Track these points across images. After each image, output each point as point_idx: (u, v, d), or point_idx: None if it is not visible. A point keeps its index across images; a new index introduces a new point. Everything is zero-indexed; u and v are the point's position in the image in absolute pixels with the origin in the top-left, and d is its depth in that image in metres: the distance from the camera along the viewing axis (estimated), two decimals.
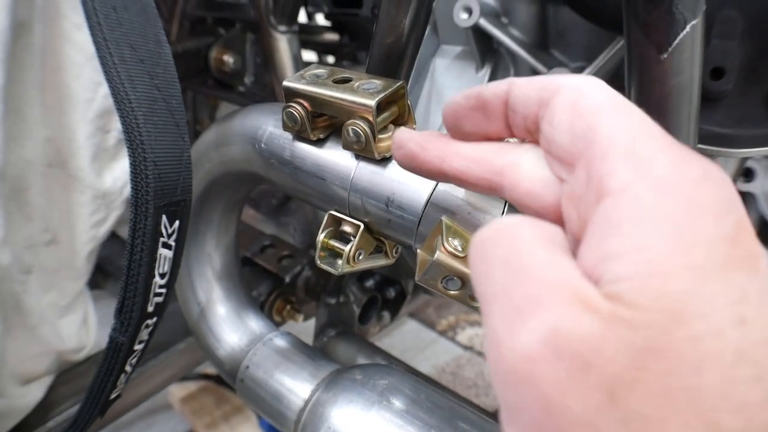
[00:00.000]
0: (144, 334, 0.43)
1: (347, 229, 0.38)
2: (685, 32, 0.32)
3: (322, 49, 1.12)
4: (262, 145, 0.42)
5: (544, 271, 0.17)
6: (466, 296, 0.31)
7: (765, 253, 0.17)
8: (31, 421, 0.59)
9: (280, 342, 0.52)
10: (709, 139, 0.47)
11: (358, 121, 0.34)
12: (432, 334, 1.43)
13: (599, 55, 0.52)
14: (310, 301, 0.77)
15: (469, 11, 0.56)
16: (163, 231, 0.40)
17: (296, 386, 0.47)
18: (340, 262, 0.38)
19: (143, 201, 0.38)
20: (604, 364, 0.15)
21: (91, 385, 0.45)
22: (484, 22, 0.56)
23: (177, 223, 0.41)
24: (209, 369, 1.11)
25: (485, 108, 0.25)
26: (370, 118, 0.34)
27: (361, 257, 0.38)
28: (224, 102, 1.00)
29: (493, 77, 0.61)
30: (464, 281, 0.30)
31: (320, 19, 1.14)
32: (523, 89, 0.23)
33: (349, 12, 0.85)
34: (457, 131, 0.26)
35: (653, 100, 0.36)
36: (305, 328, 0.77)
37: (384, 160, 0.36)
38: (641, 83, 0.37)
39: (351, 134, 0.35)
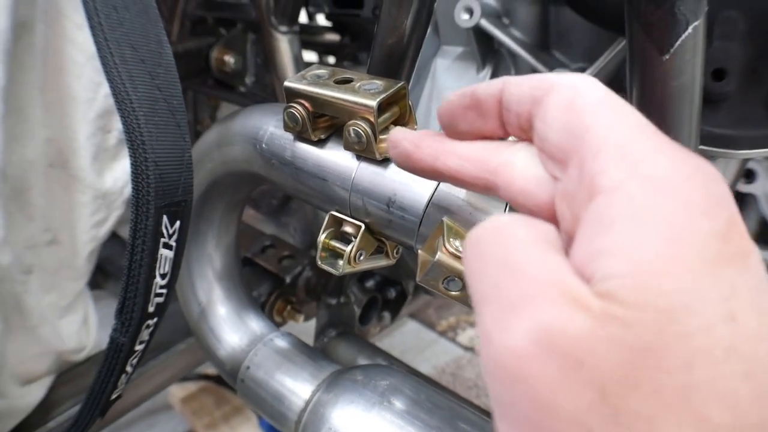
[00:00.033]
0: (145, 335, 0.43)
1: (348, 229, 0.38)
2: (687, 33, 0.32)
3: (323, 49, 1.12)
4: (263, 146, 0.42)
5: (536, 269, 0.17)
6: (468, 297, 0.31)
7: (756, 250, 0.17)
8: (32, 422, 0.59)
9: (281, 342, 0.52)
10: (710, 140, 0.47)
11: (359, 122, 0.34)
12: (432, 335, 1.43)
13: (600, 56, 0.52)
14: (311, 301, 0.77)
15: (470, 12, 0.56)
16: (164, 231, 0.40)
17: (297, 387, 0.47)
18: (341, 262, 0.37)
19: (144, 201, 0.38)
20: (595, 362, 0.15)
21: (91, 386, 0.45)
22: (485, 23, 0.56)
23: (178, 223, 0.41)
24: (209, 369, 1.11)
25: (479, 107, 0.25)
26: (372, 119, 0.34)
27: (362, 258, 0.38)
28: (225, 102, 1.01)
29: (494, 78, 0.61)
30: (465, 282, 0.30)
31: (321, 20, 1.14)
32: (516, 87, 0.23)
33: (350, 12, 0.86)
34: (452, 130, 0.26)
35: (655, 101, 0.36)
36: (306, 328, 0.77)
37: (385, 161, 0.36)
38: (643, 84, 0.37)
39: (352, 135, 0.35)
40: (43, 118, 0.55)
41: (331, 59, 1.13)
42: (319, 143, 0.39)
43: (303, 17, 1.12)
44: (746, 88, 0.46)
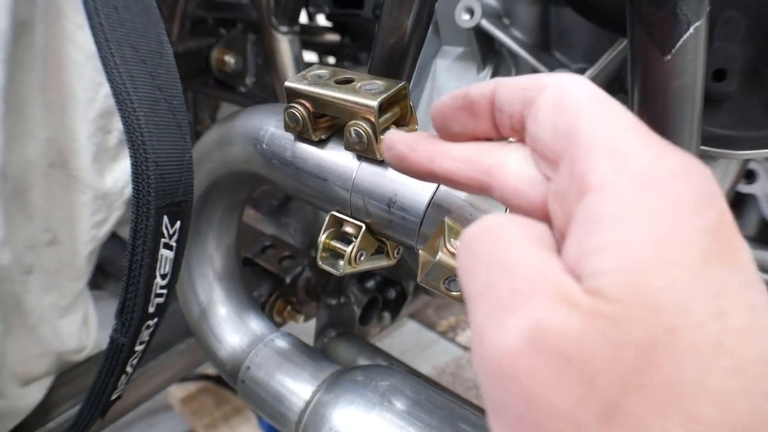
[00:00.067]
0: (145, 335, 0.43)
1: (349, 229, 0.38)
2: (688, 33, 0.32)
3: (323, 49, 1.12)
4: (264, 146, 0.42)
5: (528, 268, 0.17)
6: None
7: (746, 246, 0.17)
8: (32, 422, 0.59)
9: (281, 343, 0.52)
10: (711, 140, 0.47)
11: (360, 122, 0.34)
12: (432, 335, 1.43)
13: (601, 57, 0.52)
14: (311, 301, 0.77)
15: (471, 12, 0.56)
16: (165, 232, 0.40)
17: (297, 387, 0.47)
18: (341, 262, 0.37)
19: (144, 201, 0.38)
20: (585, 358, 0.15)
21: (91, 386, 0.45)
22: (485, 23, 0.56)
23: (178, 223, 0.41)
24: (209, 370, 1.11)
25: (472, 108, 0.25)
26: (372, 119, 0.34)
27: (362, 258, 0.38)
28: (225, 102, 1.01)
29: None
30: None
31: (321, 20, 1.14)
32: (508, 89, 0.23)
33: (351, 13, 0.86)
34: (446, 132, 0.26)
35: (656, 102, 0.36)
36: (306, 328, 0.77)
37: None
38: (644, 84, 0.37)
39: (353, 135, 0.35)
40: (43, 118, 0.55)
41: (332, 59, 1.13)
42: (320, 143, 0.39)
43: (303, 17, 1.12)
44: (747, 88, 0.46)
